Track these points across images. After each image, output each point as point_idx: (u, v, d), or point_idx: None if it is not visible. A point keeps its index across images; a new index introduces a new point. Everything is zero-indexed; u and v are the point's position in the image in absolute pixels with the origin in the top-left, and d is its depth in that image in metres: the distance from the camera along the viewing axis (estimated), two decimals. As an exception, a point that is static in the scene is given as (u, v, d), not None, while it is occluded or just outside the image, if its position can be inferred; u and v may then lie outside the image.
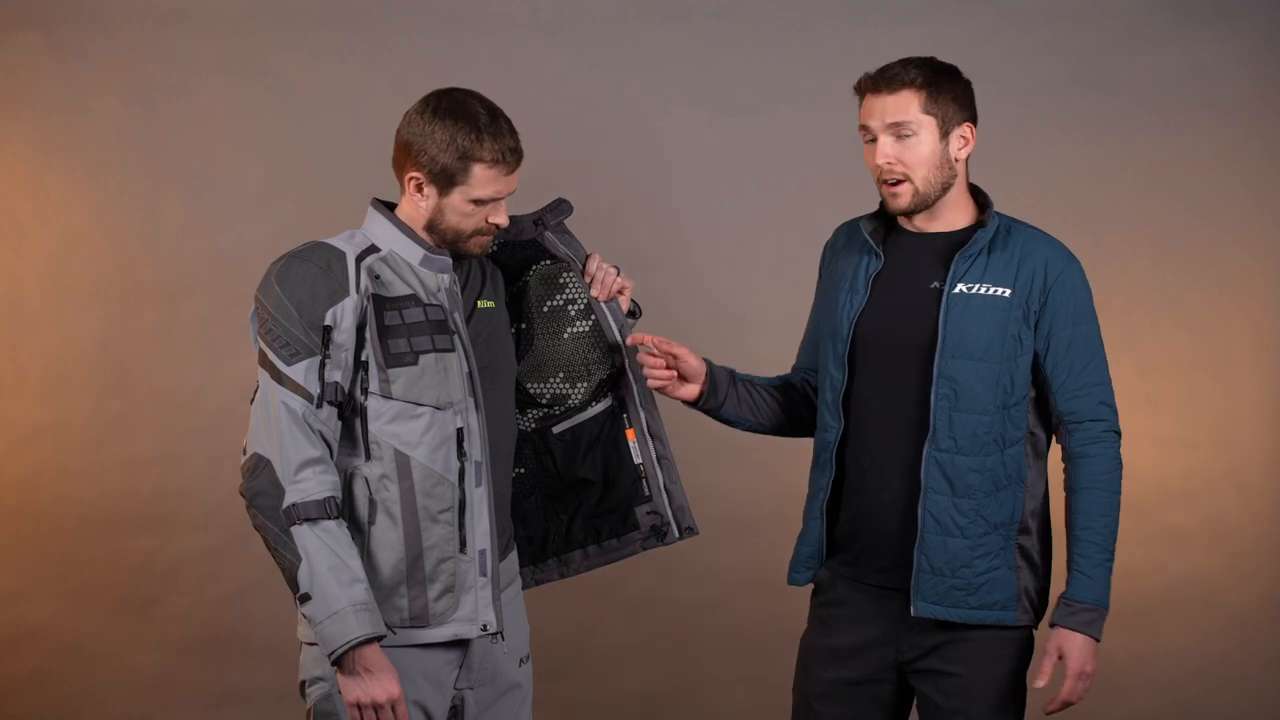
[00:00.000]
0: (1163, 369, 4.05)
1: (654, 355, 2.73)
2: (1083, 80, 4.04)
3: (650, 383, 2.74)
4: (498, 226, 2.53)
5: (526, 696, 2.70)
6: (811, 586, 2.81)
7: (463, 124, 2.46)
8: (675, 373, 2.75)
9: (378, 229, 2.54)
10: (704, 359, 2.80)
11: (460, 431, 2.49)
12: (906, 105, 2.56)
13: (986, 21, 4.02)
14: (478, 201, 2.49)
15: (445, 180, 2.48)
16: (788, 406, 2.88)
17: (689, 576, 4.10)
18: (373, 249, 2.51)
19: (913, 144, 2.57)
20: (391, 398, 2.44)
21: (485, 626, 2.51)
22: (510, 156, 2.49)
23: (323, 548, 2.37)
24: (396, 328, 2.45)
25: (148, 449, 4.06)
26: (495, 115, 2.50)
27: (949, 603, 2.59)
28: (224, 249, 4.05)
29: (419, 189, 2.50)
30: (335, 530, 2.39)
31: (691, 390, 2.79)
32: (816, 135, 4.02)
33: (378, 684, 2.39)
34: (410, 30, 4.03)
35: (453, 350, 2.49)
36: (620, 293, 2.75)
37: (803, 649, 2.79)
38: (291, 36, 4.04)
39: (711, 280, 4.09)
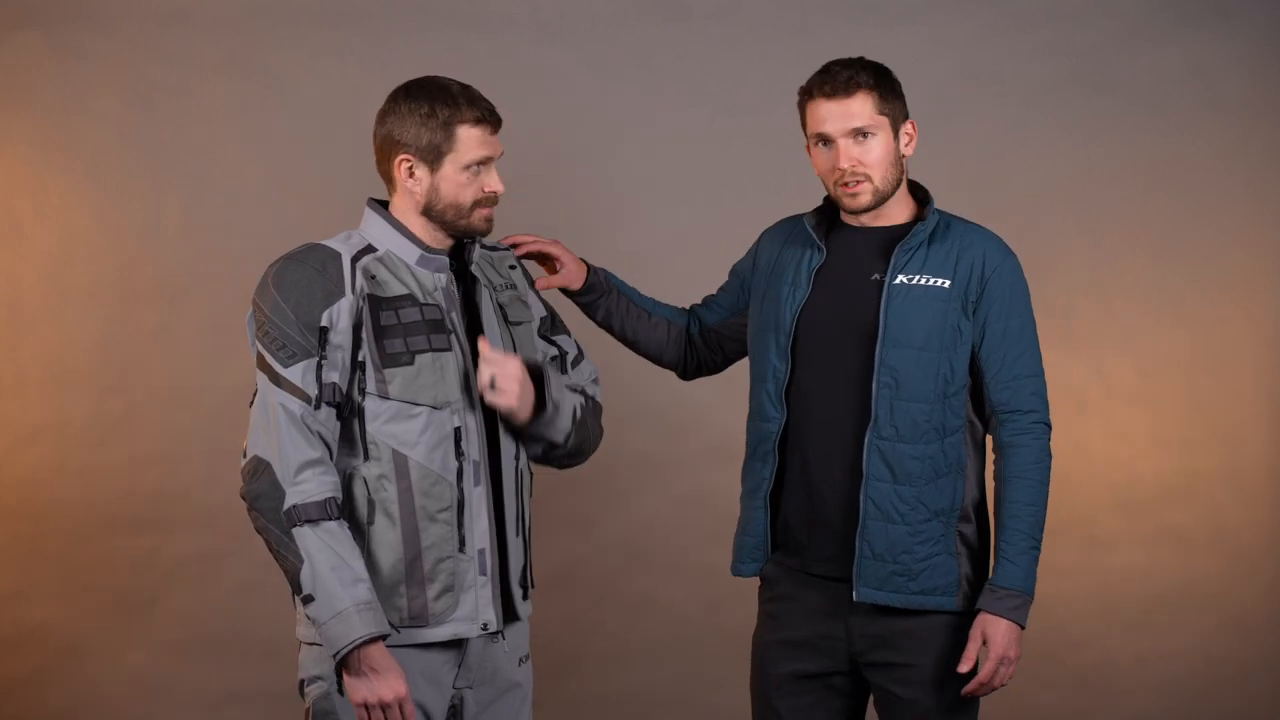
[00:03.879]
0: (1163, 369, 4.05)
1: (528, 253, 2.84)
2: (1083, 80, 4.04)
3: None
4: (496, 194, 2.53)
5: (526, 696, 2.69)
6: (759, 582, 2.84)
7: (438, 95, 2.50)
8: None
9: (375, 229, 2.55)
10: (583, 260, 2.91)
11: (458, 431, 2.49)
12: (864, 108, 2.63)
13: (986, 21, 4.02)
14: (470, 167, 2.50)
15: (434, 154, 2.49)
16: (656, 339, 2.99)
17: (689, 576, 4.10)
18: (369, 249, 2.52)
19: (871, 145, 2.64)
20: (388, 398, 2.45)
21: (485, 625, 2.51)
22: (490, 116, 2.52)
23: (325, 549, 2.38)
24: (393, 327, 2.46)
25: (148, 449, 4.05)
26: (465, 86, 2.53)
27: (890, 588, 2.62)
28: (224, 249, 4.05)
29: (411, 173, 2.51)
30: (336, 531, 2.39)
31: (573, 281, 2.89)
32: (816, 135, 4.02)
33: (384, 683, 2.39)
34: (410, 30, 4.03)
35: (449, 349, 2.49)
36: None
37: (756, 645, 2.82)
38: (291, 36, 4.04)
39: (710, 280, 4.07)
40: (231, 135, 4.04)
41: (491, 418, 2.57)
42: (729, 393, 4.03)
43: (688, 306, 3.04)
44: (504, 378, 2.50)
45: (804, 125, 2.71)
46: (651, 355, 3.02)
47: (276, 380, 2.42)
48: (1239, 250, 4.06)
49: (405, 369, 2.46)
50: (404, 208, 2.55)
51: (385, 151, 2.54)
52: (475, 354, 2.55)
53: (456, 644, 2.54)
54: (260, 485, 2.41)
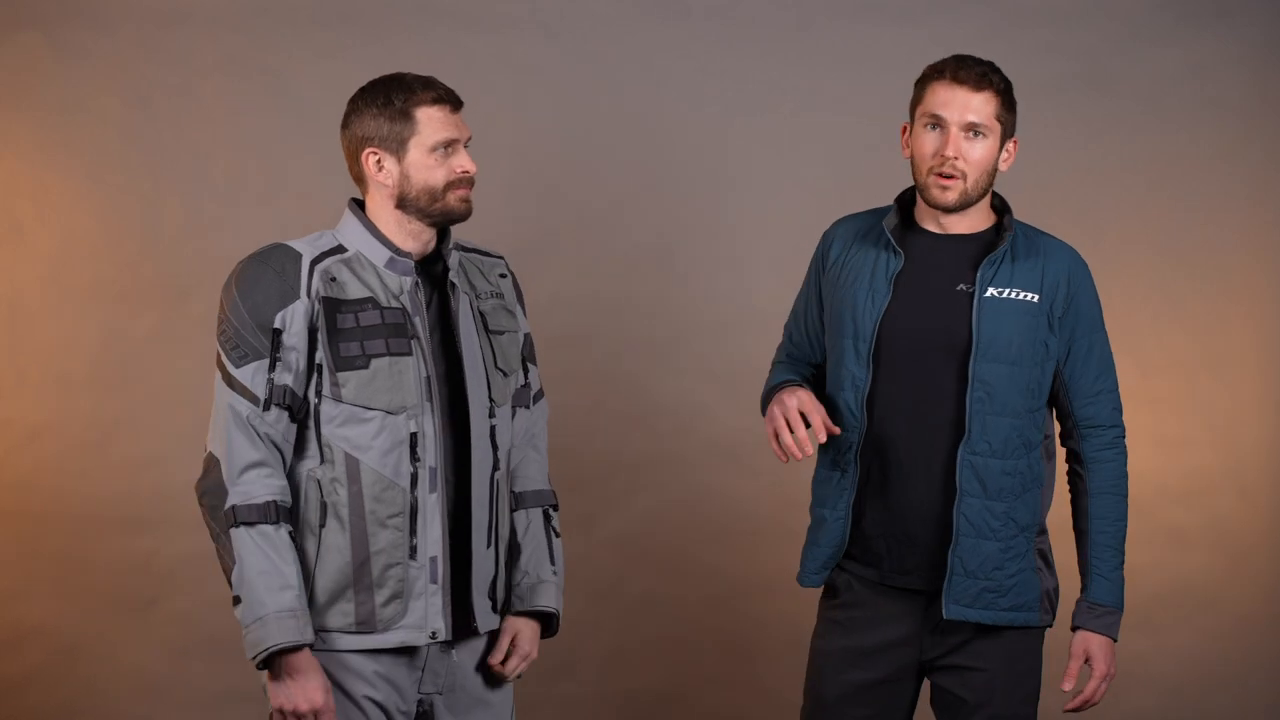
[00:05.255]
0: (1163, 369, 4.05)
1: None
2: (1083, 80, 4.04)
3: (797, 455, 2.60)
4: (468, 174, 2.50)
5: (503, 710, 2.64)
6: (820, 589, 2.80)
7: (392, 85, 2.50)
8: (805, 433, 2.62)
9: (348, 230, 2.53)
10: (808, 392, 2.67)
11: (414, 436, 2.46)
12: (987, 106, 2.59)
13: (986, 21, 4.02)
14: (436, 149, 2.48)
15: (397, 141, 2.48)
16: None
17: (689, 577, 4.10)
18: (338, 250, 2.50)
19: (979, 145, 2.60)
20: (341, 401, 2.44)
21: (434, 634, 2.48)
22: (449, 96, 2.50)
23: (256, 552, 2.38)
24: (350, 330, 2.44)
25: (148, 449, 4.05)
26: (421, 75, 2.52)
27: (980, 605, 2.60)
28: (224, 249, 4.02)
29: (380, 165, 2.50)
30: (272, 535, 2.39)
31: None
32: (817, 135, 4.02)
33: (300, 692, 2.39)
34: (410, 30, 4.03)
35: (409, 354, 2.47)
36: None
37: (817, 652, 2.76)
38: (291, 36, 4.04)
39: (711, 280, 4.09)
40: (231, 135, 4.04)
41: (461, 426, 2.53)
42: (729, 393, 4.04)
43: (797, 362, 2.87)
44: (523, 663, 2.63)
45: (915, 104, 2.64)
46: None
47: (229, 381, 2.43)
48: (1239, 250, 4.06)
49: (359, 373, 2.44)
50: (377, 205, 2.53)
51: (353, 152, 2.53)
52: (444, 360, 2.52)
53: (412, 650, 2.51)
54: (208, 482, 2.43)
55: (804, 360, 2.85)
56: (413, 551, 2.46)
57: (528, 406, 2.71)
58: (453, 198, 2.50)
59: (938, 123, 2.60)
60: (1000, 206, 2.69)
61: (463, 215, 2.53)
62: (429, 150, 2.48)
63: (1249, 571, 4.06)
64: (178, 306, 4.05)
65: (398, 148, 2.48)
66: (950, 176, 2.59)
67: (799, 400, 2.61)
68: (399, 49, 4.02)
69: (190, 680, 4.06)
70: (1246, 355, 4.05)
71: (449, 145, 2.49)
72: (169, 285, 4.05)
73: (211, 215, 4.05)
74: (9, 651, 4.06)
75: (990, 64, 2.62)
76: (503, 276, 2.70)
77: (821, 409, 2.62)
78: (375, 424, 2.44)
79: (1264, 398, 4.06)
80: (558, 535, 2.72)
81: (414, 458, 2.46)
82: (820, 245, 2.83)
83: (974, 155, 2.59)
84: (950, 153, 2.58)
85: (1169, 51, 4.03)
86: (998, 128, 2.60)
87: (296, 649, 2.38)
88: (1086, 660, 2.65)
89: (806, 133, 4.03)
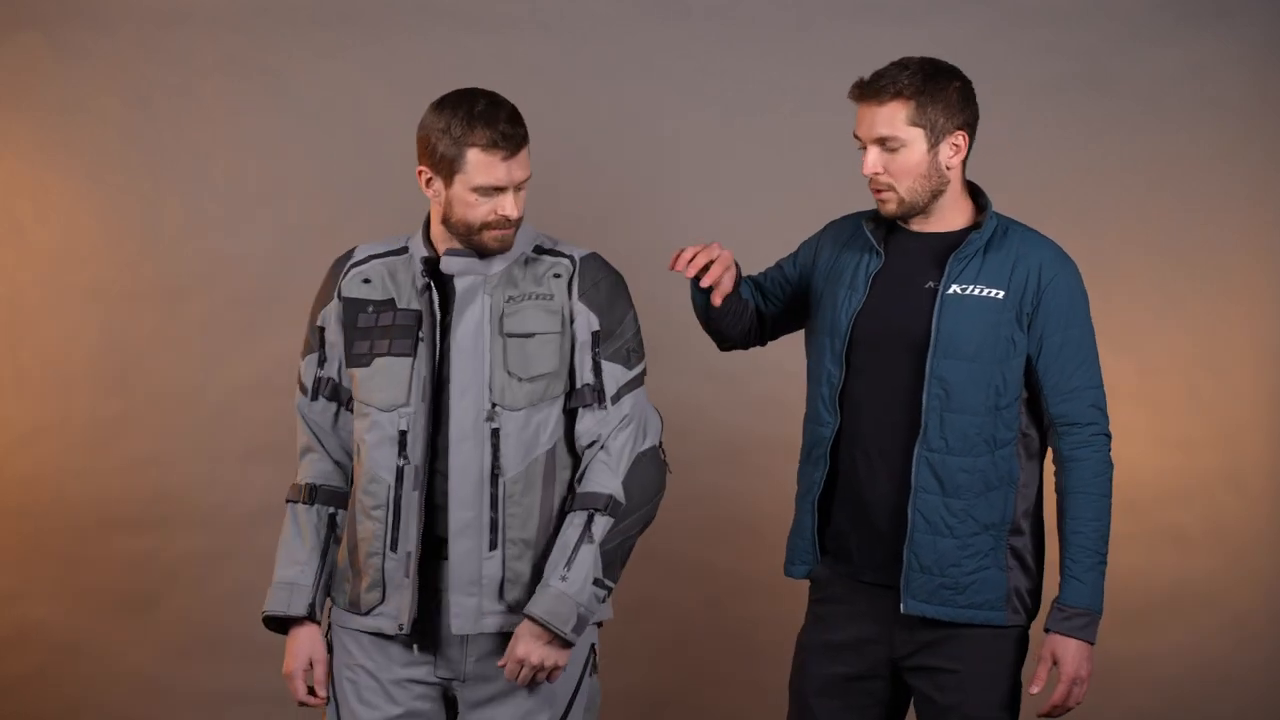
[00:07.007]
0: (1163, 369, 4.05)
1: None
2: (1083, 80, 4.04)
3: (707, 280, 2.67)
4: (508, 219, 2.50)
5: (547, 700, 2.67)
6: (809, 583, 2.82)
7: (459, 111, 2.47)
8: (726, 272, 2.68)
9: (417, 234, 2.63)
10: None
11: (403, 435, 2.53)
12: (893, 118, 2.57)
13: (986, 21, 4.02)
14: (479, 190, 2.48)
15: (447, 170, 2.49)
16: (747, 321, 2.88)
17: (689, 576, 4.10)
18: (399, 251, 2.62)
19: (900, 156, 2.59)
20: (353, 396, 2.60)
21: (401, 627, 2.54)
22: (504, 142, 2.46)
23: (287, 527, 2.63)
24: (367, 329, 2.56)
25: (148, 449, 4.05)
26: (495, 104, 2.48)
27: (937, 601, 2.60)
28: (224, 249, 4.05)
29: (428, 184, 2.52)
30: (300, 513, 2.62)
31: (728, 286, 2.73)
32: (816, 135, 4.02)
33: (286, 657, 2.61)
34: (410, 30, 4.03)
35: (410, 355, 2.53)
36: None
37: (799, 645, 2.80)
38: (291, 36, 4.04)
39: (711, 280, 4.09)
40: (231, 135, 4.04)
41: (441, 427, 2.54)
42: (729, 393, 4.04)
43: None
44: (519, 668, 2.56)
45: None
46: (724, 334, 2.88)
47: (299, 374, 2.65)
48: (1239, 250, 4.05)
49: (363, 370, 2.56)
50: (434, 214, 2.59)
51: (418, 155, 2.54)
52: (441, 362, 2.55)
53: (415, 636, 2.56)
54: None
55: (759, 284, 2.90)
56: (393, 544, 2.54)
57: (591, 406, 2.60)
58: (488, 236, 2.52)
59: (861, 143, 2.63)
60: (982, 202, 2.69)
61: (495, 252, 2.56)
62: (471, 189, 2.48)
63: (1249, 571, 4.06)
64: (178, 306, 4.05)
65: (447, 175, 2.50)
66: (881, 190, 2.62)
67: (724, 251, 2.66)
68: (399, 49, 4.02)
69: (190, 680, 4.06)
70: (1246, 355, 4.05)
71: (496, 189, 2.48)
72: (169, 285, 4.05)
73: (211, 215, 4.05)
74: (9, 651, 4.06)
75: (908, 65, 2.58)
76: (556, 277, 2.59)
77: (732, 272, 2.67)
78: (369, 419, 2.55)
79: (1264, 398, 4.06)
80: (590, 541, 2.56)
81: (401, 455, 2.53)
82: (820, 234, 2.86)
83: (896, 167, 2.59)
84: (866, 171, 2.61)
85: (1169, 51, 4.03)
86: (915, 133, 2.58)
87: (287, 619, 2.59)
88: (1056, 664, 2.61)
89: (806, 133, 4.03)
